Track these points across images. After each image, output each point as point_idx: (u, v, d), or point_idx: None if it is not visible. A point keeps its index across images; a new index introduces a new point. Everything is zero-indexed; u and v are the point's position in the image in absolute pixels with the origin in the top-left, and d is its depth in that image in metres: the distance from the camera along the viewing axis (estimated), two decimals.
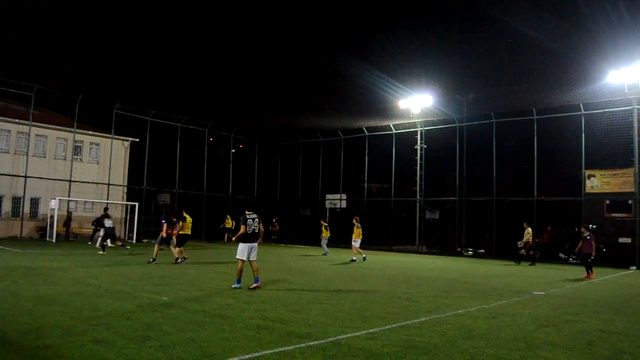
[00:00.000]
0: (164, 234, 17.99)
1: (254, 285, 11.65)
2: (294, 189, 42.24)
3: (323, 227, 26.16)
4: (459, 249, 31.96)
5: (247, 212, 11.89)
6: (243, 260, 11.74)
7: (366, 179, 38.06)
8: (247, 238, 11.76)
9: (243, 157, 43.83)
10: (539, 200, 29.09)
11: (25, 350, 5.89)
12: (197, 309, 8.84)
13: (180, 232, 18.33)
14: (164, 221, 18.24)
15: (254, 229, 11.85)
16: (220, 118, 38.01)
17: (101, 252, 21.21)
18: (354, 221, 23.38)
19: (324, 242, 26.54)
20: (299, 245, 31.81)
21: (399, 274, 17.40)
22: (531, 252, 24.42)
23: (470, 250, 30.89)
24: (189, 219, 18.82)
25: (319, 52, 22.97)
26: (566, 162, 31.24)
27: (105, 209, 24.30)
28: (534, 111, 29.19)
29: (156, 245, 18.10)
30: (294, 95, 31.18)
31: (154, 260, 17.43)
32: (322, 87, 29.22)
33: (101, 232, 25.14)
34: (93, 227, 27.27)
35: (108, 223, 22.32)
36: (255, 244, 11.91)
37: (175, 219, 18.81)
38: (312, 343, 6.71)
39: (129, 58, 25.60)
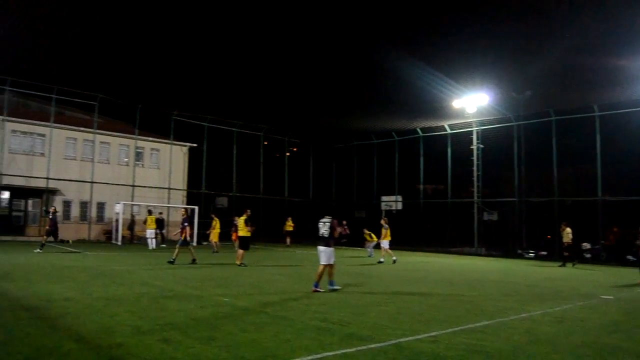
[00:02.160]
0: (187, 237, 18.47)
1: (313, 289, 11.73)
2: (349, 191, 42.25)
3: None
4: (519, 251, 31.10)
5: (324, 217, 12.12)
6: (322, 264, 11.85)
7: (422, 181, 37.65)
8: (317, 242, 11.98)
9: (298, 160, 44.21)
10: (603, 200, 27.96)
11: (99, 348, 6.15)
12: (259, 310, 9.01)
13: (240, 235, 18.56)
14: (186, 224, 18.67)
15: (322, 233, 11.94)
16: (274, 122, 38.50)
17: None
18: (382, 222, 23.19)
19: (371, 243, 26.37)
20: (354, 248, 31.78)
21: (458, 277, 17.13)
22: (566, 254, 23.52)
23: (532, 253, 30.00)
24: (216, 222, 19.63)
25: (374, 52, 22.87)
26: (632, 160, 29.87)
27: (156, 212, 25.87)
28: (596, 107, 28.11)
29: (177, 247, 18.34)
30: (347, 98, 31.20)
31: (173, 261, 17.75)
32: (376, 89, 29.11)
33: (149, 234, 26.23)
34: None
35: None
36: (322, 248, 11.92)
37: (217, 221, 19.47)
38: (373, 346, 6.71)
39: (187, 66, 26.31)
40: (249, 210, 19.15)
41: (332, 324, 8.03)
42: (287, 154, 42.75)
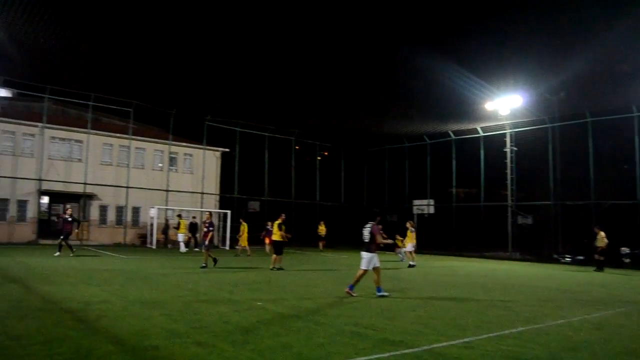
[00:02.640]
0: (207, 241, 18.47)
1: (347, 290, 11.75)
2: (381, 195, 42.07)
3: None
4: (555, 256, 30.44)
5: (368, 223, 12.02)
6: (361, 269, 11.78)
7: (454, 184, 37.27)
8: (361, 247, 11.95)
9: (329, 164, 44.25)
10: None
11: (135, 350, 6.27)
12: (292, 315, 9.03)
13: (274, 239, 18.66)
14: (212, 228, 18.78)
15: (364, 239, 11.90)
16: (306, 126, 38.64)
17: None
18: (408, 225, 22.98)
19: (402, 249, 26.20)
20: (384, 252, 31.52)
21: (492, 282, 16.88)
22: (599, 258, 22.86)
23: (568, 257, 29.32)
24: (244, 226, 21.18)
25: (406, 55, 22.75)
26: None
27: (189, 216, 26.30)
28: (635, 108, 27.38)
29: (205, 251, 18.46)
30: (379, 101, 31.13)
31: (205, 265, 18.02)
32: (407, 92, 28.98)
33: (180, 237, 26.67)
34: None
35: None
36: (363, 253, 11.84)
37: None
38: (406, 351, 6.66)
39: (220, 72, 26.64)
40: (283, 215, 19.17)
41: (365, 328, 8.00)
42: (319, 158, 42.85)
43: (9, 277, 13.26)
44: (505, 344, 7.24)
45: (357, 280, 11.79)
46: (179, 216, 28.62)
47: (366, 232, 11.87)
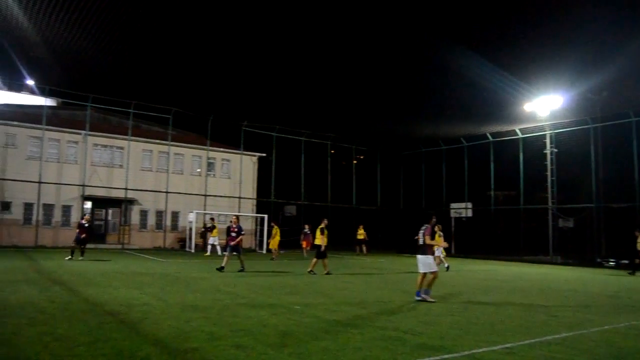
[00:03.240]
0: (233, 244, 18.20)
1: (416, 298, 11.59)
2: (417, 199, 41.72)
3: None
4: (598, 260, 29.57)
5: (423, 225, 11.86)
6: (420, 273, 11.64)
7: (492, 187, 36.64)
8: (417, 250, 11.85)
9: (365, 168, 44.15)
10: None
11: (175, 352, 6.36)
12: (329, 318, 9.03)
13: (316, 243, 18.69)
14: (242, 232, 18.75)
15: (419, 242, 11.76)
16: (341, 130, 38.68)
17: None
18: (436, 228, 22.58)
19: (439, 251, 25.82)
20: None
21: (532, 286, 16.51)
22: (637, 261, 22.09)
23: (612, 261, 28.44)
24: (277, 230, 21.75)
25: (442, 56, 22.54)
26: None
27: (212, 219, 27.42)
28: None
29: (240, 256, 18.21)
30: (415, 104, 30.92)
31: (243, 269, 17.86)
32: (444, 94, 28.70)
33: (211, 240, 27.00)
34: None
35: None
36: (419, 256, 11.68)
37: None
38: (445, 356, 6.58)
39: (256, 77, 26.95)
40: (325, 220, 19.19)
41: (403, 333, 7.93)
42: (354, 161, 42.79)
43: (54, 280, 13.67)
44: (548, 350, 7.07)
45: (420, 285, 11.59)
46: (212, 219, 29.04)
47: (421, 235, 11.73)
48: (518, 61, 23.26)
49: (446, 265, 21.96)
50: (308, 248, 28.18)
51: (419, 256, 11.70)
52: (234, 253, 18.09)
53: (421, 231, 11.76)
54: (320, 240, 18.51)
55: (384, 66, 25.02)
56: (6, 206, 29.49)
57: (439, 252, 22.21)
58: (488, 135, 35.90)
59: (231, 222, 18.98)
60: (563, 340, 7.78)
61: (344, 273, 19.39)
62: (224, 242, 29.43)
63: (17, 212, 29.74)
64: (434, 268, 11.62)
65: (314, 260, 18.30)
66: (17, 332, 7.08)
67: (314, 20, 20.19)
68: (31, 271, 15.80)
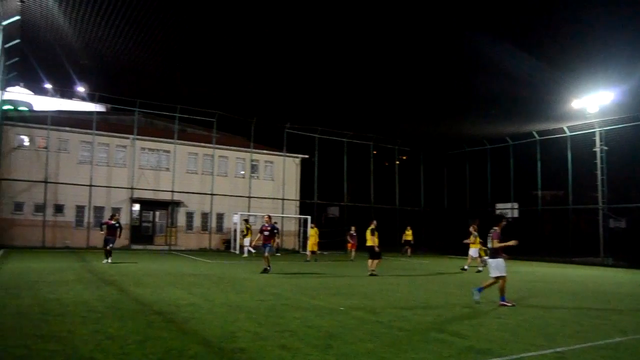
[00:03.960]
0: (270, 244, 18.02)
1: (500, 302, 11.32)
2: (462, 199, 41.09)
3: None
4: None
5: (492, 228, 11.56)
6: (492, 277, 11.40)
7: (539, 186, 35.72)
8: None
9: (408, 169, 43.79)
10: None
11: (222, 352, 6.45)
12: (374, 320, 8.99)
13: (368, 245, 18.66)
14: (277, 232, 18.64)
15: (488, 245, 11.55)
16: (384, 130, 38.49)
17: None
18: (471, 229, 22.12)
19: (484, 258, 25.34)
20: (463, 257, 30.63)
21: (583, 288, 16.02)
22: None
23: None
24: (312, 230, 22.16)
25: (486, 52, 22.06)
26: None
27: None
28: None
29: (267, 255, 17.96)
30: (458, 103, 30.46)
31: (269, 268, 17.62)
32: (488, 91, 28.14)
33: (246, 242, 27.25)
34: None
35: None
36: (490, 260, 11.50)
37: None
38: None
39: (298, 80, 27.10)
40: (375, 221, 19.14)
41: (450, 335, 7.82)
42: (397, 162, 42.50)
43: (105, 280, 14.09)
44: (601, 356, 6.84)
45: (502, 289, 11.32)
46: (246, 221, 29.38)
47: (489, 239, 11.49)
48: (566, 56, 22.59)
49: (479, 268, 21.54)
50: (354, 250, 28.04)
51: (490, 260, 11.46)
52: (270, 252, 18.01)
53: (489, 235, 11.48)
54: (371, 241, 18.48)
55: (428, 65, 24.73)
56: (59, 209, 30.59)
57: (475, 252, 21.85)
58: (534, 133, 35.02)
59: (265, 221, 18.74)
60: (617, 346, 7.52)
61: (388, 274, 19.25)
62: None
63: (69, 215, 30.79)
64: (503, 272, 11.23)
65: (370, 261, 18.29)
66: (72, 330, 7.33)
67: (356, 20, 20.16)
68: (83, 271, 16.32)
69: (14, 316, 8.21)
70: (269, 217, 18.87)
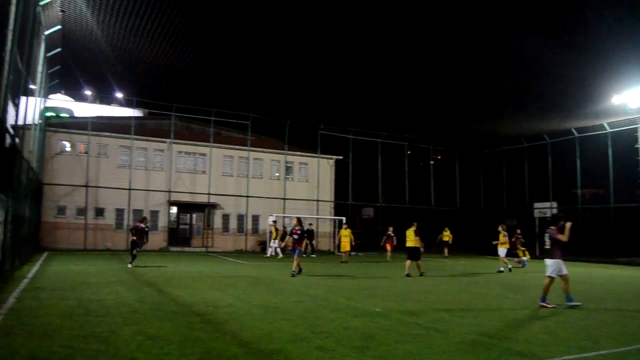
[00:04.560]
0: (300, 247, 17.80)
1: (540, 303, 11.13)
2: (499, 199, 40.45)
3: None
4: None
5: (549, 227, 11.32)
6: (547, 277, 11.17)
7: (578, 185, 34.89)
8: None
9: (443, 168, 43.35)
10: None
11: (260, 353, 6.51)
12: (411, 322, 8.93)
13: (408, 245, 18.66)
14: (306, 235, 18.50)
15: (544, 245, 11.34)
16: (418, 130, 38.21)
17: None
18: (500, 228, 21.71)
19: (522, 258, 24.93)
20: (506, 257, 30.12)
21: (627, 290, 15.58)
22: None
23: None
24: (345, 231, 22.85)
25: (522, 47, 21.60)
26: None
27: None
28: None
29: (296, 258, 17.52)
30: (493, 100, 29.99)
31: (296, 271, 17.24)
32: (524, 88, 27.63)
33: (275, 243, 27.45)
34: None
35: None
36: (547, 260, 11.26)
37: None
38: None
39: (331, 81, 27.15)
40: (415, 223, 19.06)
41: (488, 337, 7.71)
42: (432, 162, 42.11)
43: (144, 281, 14.38)
44: None
45: (546, 290, 11.08)
46: (274, 222, 29.60)
47: (547, 238, 11.24)
48: (605, 50, 21.97)
49: (501, 269, 21.17)
50: (391, 251, 27.87)
51: (547, 260, 11.20)
52: (299, 255, 17.57)
53: (546, 234, 11.23)
54: (414, 242, 18.46)
55: (462, 62, 24.42)
56: (100, 212, 31.37)
57: (503, 252, 21.51)
58: (573, 130, 34.23)
59: (294, 224, 18.41)
60: None
61: (425, 276, 19.08)
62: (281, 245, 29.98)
63: (109, 218, 31.54)
64: (564, 271, 11.00)
65: (416, 262, 18.32)
66: (114, 330, 7.50)
67: (392, 19, 20.06)
68: (123, 273, 16.69)
69: (59, 317, 8.45)
70: (299, 219, 18.46)
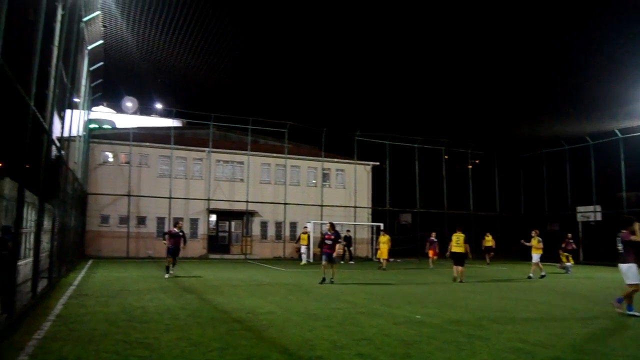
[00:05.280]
0: (333, 254, 17.30)
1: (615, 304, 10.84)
2: (540, 203, 39.56)
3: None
4: None
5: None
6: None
7: (623, 187, 33.78)
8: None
9: (481, 173, 42.68)
10: None
11: None
12: (452, 329, 8.83)
13: (455, 251, 18.57)
14: (340, 240, 18.38)
15: (618, 249, 10.87)
16: (455, 134, 37.79)
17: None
18: (533, 233, 21.14)
19: (566, 263, 24.32)
20: (544, 263, 29.43)
21: None
22: None
23: None
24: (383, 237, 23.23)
25: (562, 45, 21.10)
26: None
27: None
28: None
29: (333, 266, 17.24)
30: (534, 102, 29.41)
31: (326, 278, 16.92)
32: (566, 89, 26.99)
33: (303, 249, 27.49)
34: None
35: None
36: (621, 265, 10.83)
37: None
38: None
39: (367, 87, 27.15)
40: (461, 228, 19.01)
41: (532, 345, 7.55)
42: (469, 166, 41.52)
43: (186, 288, 14.61)
44: None
45: (629, 297, 10.61)
46: (305, 227, 29.72)
47: (619, 242, 10.81)
48: None
49: (531, 275, 20.65)
50: (435, 257, 27.41)
51: (621, 265, 10.79)
52: (331, 261, 17.18)
53: (618, 237, 10.82)
54: (462, 247, 18.41)
55: (501, 64, 24.05)
56: (142, 220, 32.06)
57: (536, 258, 21.02)
58: (616, 131, 33.22)
59: (327, 229, 17.92)
60: None
61: (466, 282, 18.81)
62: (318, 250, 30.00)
63: (151, 226, 32.19)
64: (630, 279, 10.51)
65: (456, 268, 18.33)
66: (158, 337, 7.65)
67: (430, 22, 19.98)
68: (165, 280, 16.98)
69: (104, 323, 8.67)
70: (332, 224, 18.02)
